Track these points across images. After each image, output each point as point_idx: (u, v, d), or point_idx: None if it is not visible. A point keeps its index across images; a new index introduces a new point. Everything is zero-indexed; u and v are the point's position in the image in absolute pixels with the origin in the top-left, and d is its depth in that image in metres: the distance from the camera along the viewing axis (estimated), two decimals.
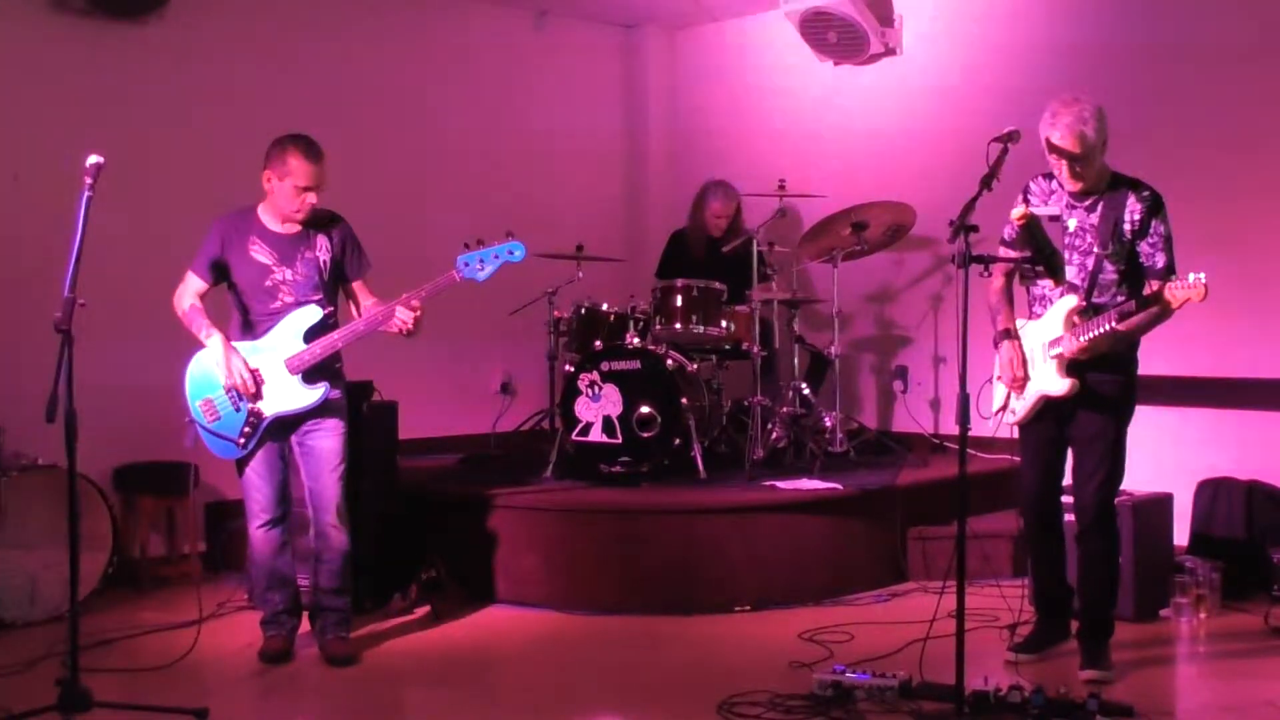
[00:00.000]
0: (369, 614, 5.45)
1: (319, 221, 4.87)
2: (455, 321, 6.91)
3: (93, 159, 4.05)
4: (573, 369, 6.26)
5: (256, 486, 4.86)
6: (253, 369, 4.72)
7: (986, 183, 4.14)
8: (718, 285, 6.42)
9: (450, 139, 7.48)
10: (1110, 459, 4.50)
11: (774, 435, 6.54)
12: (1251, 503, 5.60)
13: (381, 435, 5.76)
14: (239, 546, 5.66)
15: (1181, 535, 5.63)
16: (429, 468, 6.66)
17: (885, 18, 7.29)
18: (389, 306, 4.72)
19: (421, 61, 7.40)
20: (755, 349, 6.41)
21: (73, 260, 3.99)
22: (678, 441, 6.04)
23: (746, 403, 6.51)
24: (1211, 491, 5.71)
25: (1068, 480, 4.68)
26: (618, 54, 8.38)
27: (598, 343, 6.36)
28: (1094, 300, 4.47)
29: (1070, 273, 4.52)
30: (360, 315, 4.85)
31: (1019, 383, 4.57)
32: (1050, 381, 4.51)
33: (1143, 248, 4.42)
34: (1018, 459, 4.76)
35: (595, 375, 6.15)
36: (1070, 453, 4.64)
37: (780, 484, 5.95)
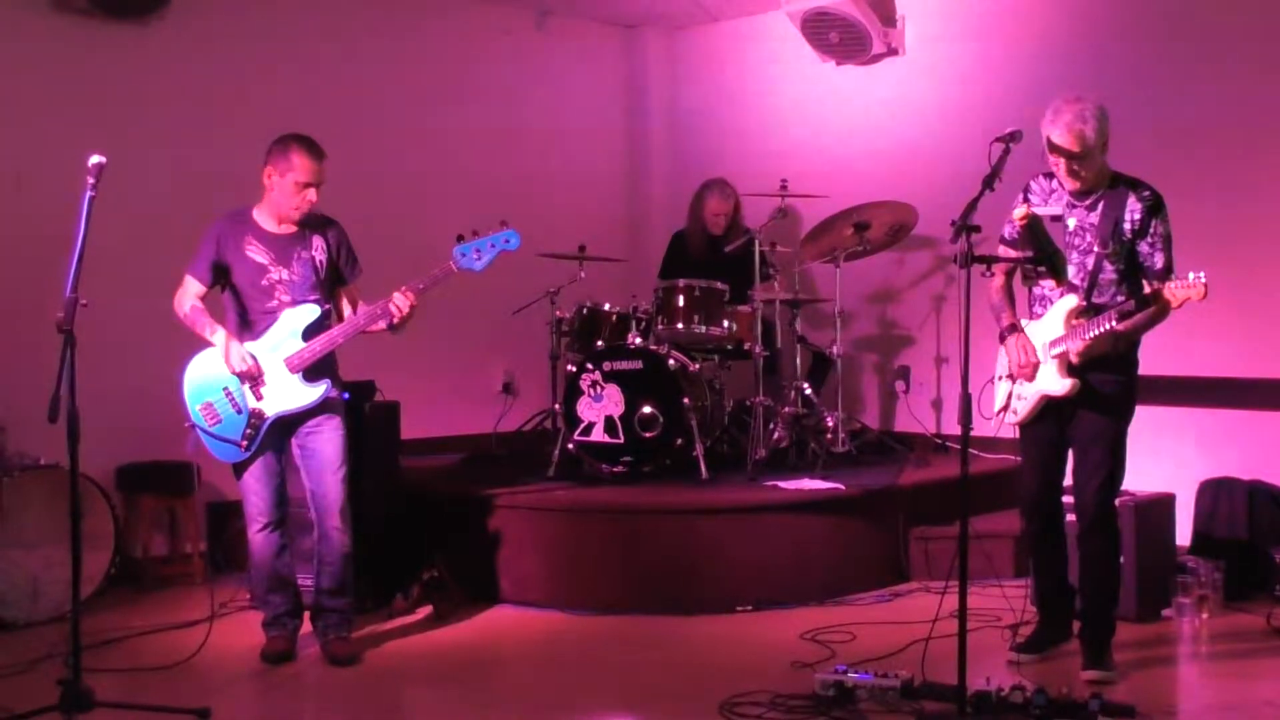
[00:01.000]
0: (371, 614, 5.45)
1: (314, 223, 4.88)
2: (457, 321, 6.93)
3: (95, 159, 4.05)
4: (575, 369, 6.25)
5: (254, 490, 4.86)
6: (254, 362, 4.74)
7: (988, 183, 4.13)
8: (720, 285, 6.41)
9: (451, 139, 7.48)
10: (1111, 459, 4.50)
11: (776, 435, 6.53)
12: (1253, 503, 5.59)
13: (383, 435, 5.77)
14: (241, 546, 5.66)
15: (1183, 535, 5.62)
16: (431, 468, 6.66)
17: (888, 17, 7.26)
18: (385, 300, 4.73)
19: (422, 62, 7.40)
20: (757, 349, 6.40)
21: (75, 260, 3.99)
22: (680, 441, 6.04)
23: (748, 403, 6.50)
24: (1213, 491, 5.70)
25: (1068, 480, 4.67)
26: (619, 54, 8.38)
27: (600, 343, 6.36)
28: (1093, 300, 4.47)
29: (1070, 272, 4.51)
30: (353, 315, 4.86)
31: (1032, 369, 4.53)
32: (1051, 381, 4.50)
33: (1142, 247, 4.42)
34: (1019, 459, 4.76)
35: (597, 375, 6.14)
36: (1071, 453, 4.63)
37: (782, 484, 5.95)
